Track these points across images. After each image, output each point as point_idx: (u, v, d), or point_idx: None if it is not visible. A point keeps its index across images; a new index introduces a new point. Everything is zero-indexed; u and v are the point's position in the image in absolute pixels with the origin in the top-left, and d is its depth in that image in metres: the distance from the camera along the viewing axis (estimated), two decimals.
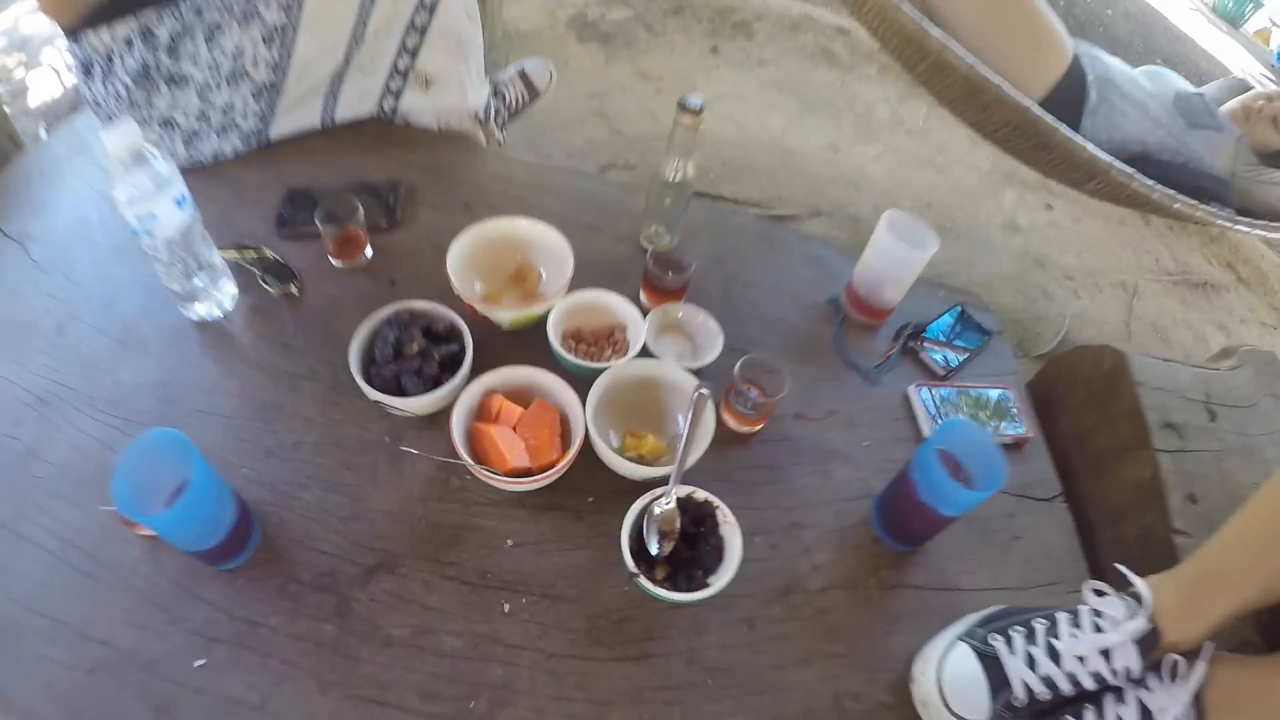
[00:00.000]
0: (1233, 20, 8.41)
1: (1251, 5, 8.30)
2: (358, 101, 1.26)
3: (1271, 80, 6.32)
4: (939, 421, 1.04)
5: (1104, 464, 1.11)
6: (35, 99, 2.40)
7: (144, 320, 1.00)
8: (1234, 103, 1.90)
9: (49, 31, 4.79)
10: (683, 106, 0.99)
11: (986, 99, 1.50)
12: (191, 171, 1.03)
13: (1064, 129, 1.49)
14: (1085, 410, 1.18)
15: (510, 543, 0.84)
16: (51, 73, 4.26)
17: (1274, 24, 8.43)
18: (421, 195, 1.21)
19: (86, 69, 1.14)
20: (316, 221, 1.04)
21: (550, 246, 1.03)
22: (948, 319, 1.21)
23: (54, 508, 0.83)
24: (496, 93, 1.53)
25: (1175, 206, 1.43)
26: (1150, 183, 1.46)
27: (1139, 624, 0.74)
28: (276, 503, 0.84)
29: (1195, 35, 5.94)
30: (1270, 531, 0.72)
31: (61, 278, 1.07)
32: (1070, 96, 1.69)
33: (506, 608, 0.79)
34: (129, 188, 0.83)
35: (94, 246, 1.12)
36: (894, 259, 1.07)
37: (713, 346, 0.99)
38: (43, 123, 2.37)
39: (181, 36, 1.11)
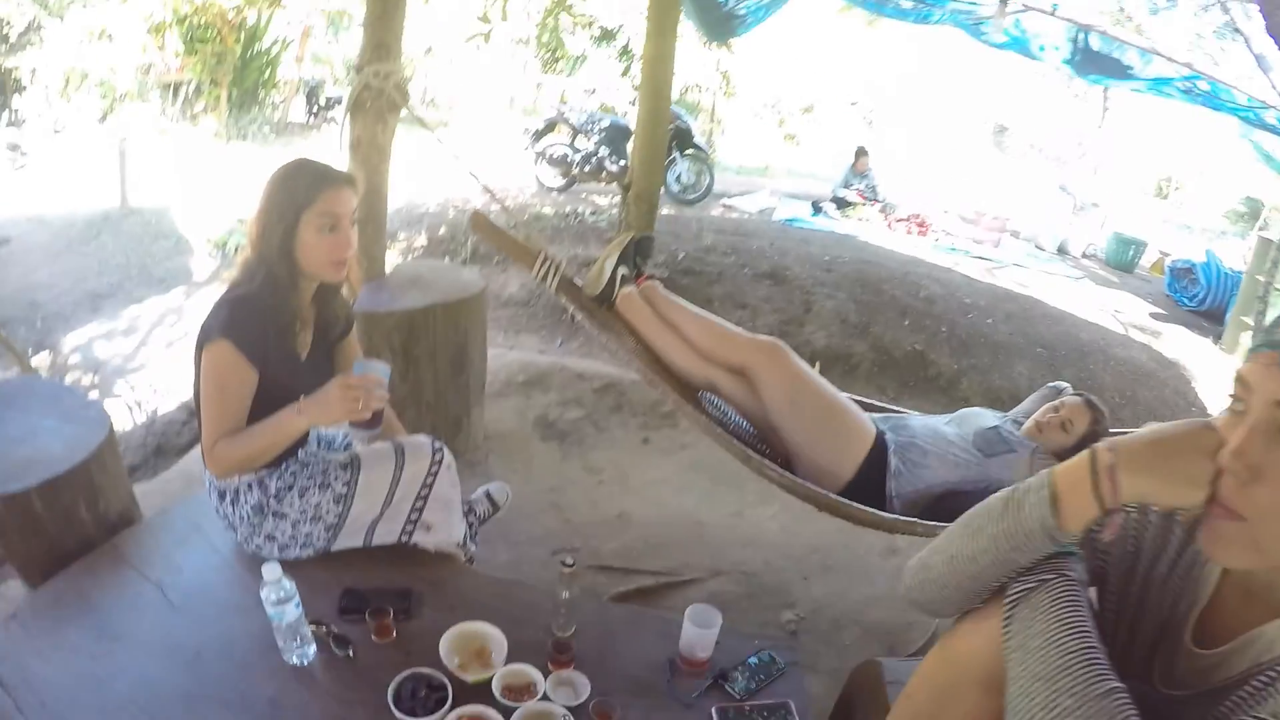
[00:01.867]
0: (1125, 267, 9.58)
1: (1135, 249, 9.46)
2: (386, 534, 2.07)
3: (1160, 315, 7.16)
4: None
5: None
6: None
7: (256, 658, 1.72)
8: (1029, 423, 2.49)
9: (123, 361, 5.66)
10: (561, 574, 1.80)
11: (801, 493, 2.27)
12: (283, 562, 1.74)
13: (855, 507, 2.25)
14: (868, 706, 1.78)
15: None
16: (124, 406, 5.03)
17: (1163, 254, 9.55)
18: (426, 599, 1.97)
19: (221, 495, 1.97)
20: (365, 616, 1.80)
21: (496, 639, 1.78)
22: (752, 658, 1.89)
23: None
24: (471, 510, 2.33)
25: None
26: (932, 524, 2.17)
27: None
28: None
29: (1078, 305, 6.79)
30: None
31: (195, 618, 1.81)
32: (875, 468, 2.40)
33: None
34: (272, 595, 1.61)
35: (215, 600, 1.89)
36: (696, 638, 1.80)
37: (583, 692, 1.69)
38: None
39: (284, 490, 1.95)
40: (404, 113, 3.29)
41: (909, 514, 2.33)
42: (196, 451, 3.65)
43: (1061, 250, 9.92)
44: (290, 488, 1.96)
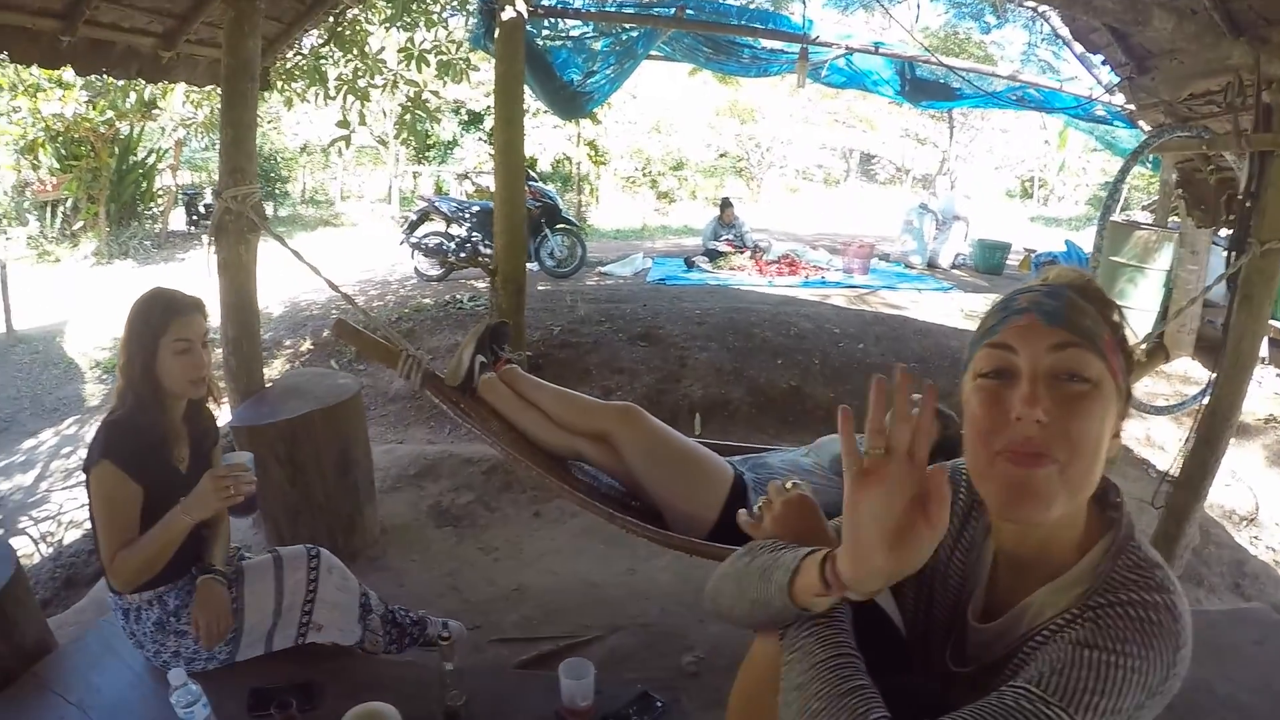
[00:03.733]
0: (995, 270, 10.17)
1: (1001, 252, 9.94)
2: (284, 640, 2.20)
3: None
4: None
5: None
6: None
7: None
8: None
9: (23, 495, 5.58)
10: (441, 648, 1.96)
11: (668, 543, 2.44)
12: (192, 674, 1.87)
13: (721, 547, 2.39)
14: None
15: None
16: (29, 540, 4.97)
17: (1029, 251, 10.01)
18: (328, 688, 2.09)
19: (125, 614, 2.09)
20: (271, 711, 1.91)
21: (391, 715, 1.89)
22: (633, 703, 2.07)
23: None
24: (417, 620, 2.48)
25: None
26: None
27: None
28: None
29: (948, 315, 7.26)
30: None
31: None
32: (737, 508, 2.53)
33: None
34: (181, 699, 1.75)
35: (133, 714, 2.04)
36: (573, 689, 1.96)
37: None
38: None
39: (181, 609, 2.07)
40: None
41: None
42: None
43: (931, 265, 10.39)
44: (187, 605, 2.08)
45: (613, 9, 5.78)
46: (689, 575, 3.34)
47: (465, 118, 14.16)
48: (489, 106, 13.30)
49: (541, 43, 5.44)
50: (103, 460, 1.93)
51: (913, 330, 6.55)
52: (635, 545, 3.52)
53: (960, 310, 7.63)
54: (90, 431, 6.44)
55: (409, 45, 5.97)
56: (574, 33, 5.66)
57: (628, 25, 5.44)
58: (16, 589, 2.16)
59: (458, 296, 7.62)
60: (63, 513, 5.38)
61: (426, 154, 16.53)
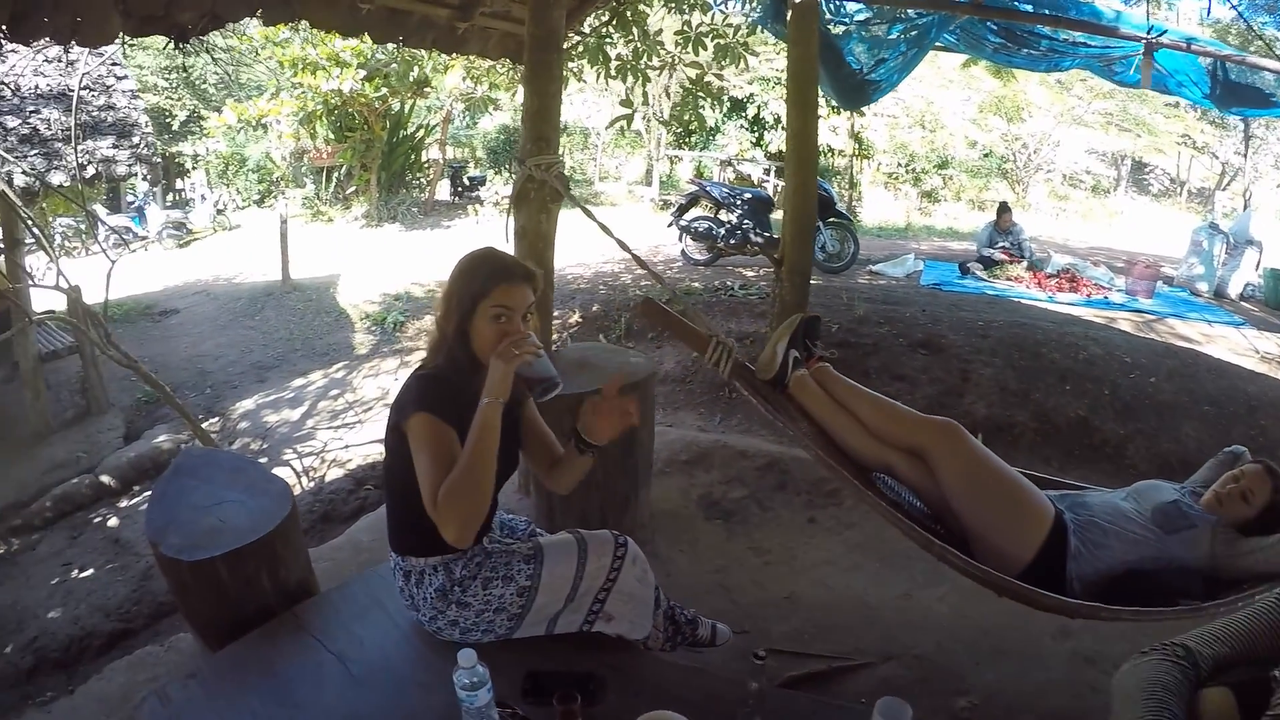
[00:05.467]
0: None
1: None
2: (569, 625, 2.09)
3: None
4: None
5: None
6: None
7: None
8: (1208, 494, 2.35)
9: (289, 429, 5.95)
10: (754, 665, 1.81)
11: (983, 578, 2.22)
12: (465, 644, 1.80)
13: (1039, 592, 2.18)
14: None
15: None
16: (291, 472, 5.32)
17: None
18: (609, 684, 1.96)
19: (406, 575, 2.04)
20: (553, 701, 1.83)
21: None
22: None
23: None
24: (691, 620, 2.36)
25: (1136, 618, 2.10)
26: (1117, 609, 2.10)
27: None
28: None
29: (1242, 354, 6.49)
30: None
31: (377, 692, 1.88)
32: (1054, 550, 2.32)
33: None
34: (465, 679, 1.66)
35: (397, 675, 1.95)
36: None
37: None
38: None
39: (468, 580, 2.01)
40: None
41: (1089, 596, 2.25)
42: (364, 521, 3.83)
43: (1219, 294, 9.29)
44: (474, 577, 2.02)
45: None
46: (968, 610, 3.08)
47: (728, 104, 14.14)
48: (751, 94, 13.23)
49: (827, 27, 5.19)
50: (417, 412, 1.88)
51: (1205, 368, 5.80)
52: (913, 568, 3.30)
53: (1256, 351, 6.73)
54: (358, 379, 6.89)
55: (685, 28, 5.90)
56: (859, 17, 5.38)
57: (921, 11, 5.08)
58: (288, 528, 2.18)
59: (728, 283, 7.57)
60: (327, 450, 5.72)
61: (688, 139, 16.67)
